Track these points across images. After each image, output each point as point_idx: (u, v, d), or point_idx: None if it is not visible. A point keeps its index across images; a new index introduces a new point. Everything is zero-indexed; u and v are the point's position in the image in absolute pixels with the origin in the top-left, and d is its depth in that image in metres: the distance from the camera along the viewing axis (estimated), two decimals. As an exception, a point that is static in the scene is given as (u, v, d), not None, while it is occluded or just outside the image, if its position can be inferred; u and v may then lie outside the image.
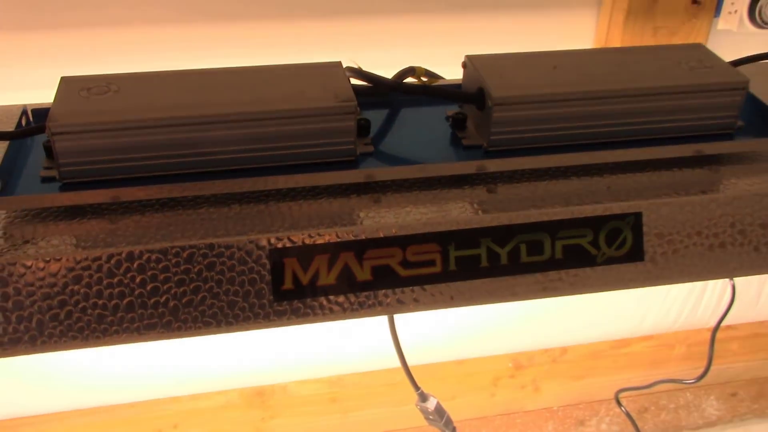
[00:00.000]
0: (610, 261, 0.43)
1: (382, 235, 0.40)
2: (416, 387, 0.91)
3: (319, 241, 0.40)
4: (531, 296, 0.42)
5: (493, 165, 0.45)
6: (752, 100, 0.51)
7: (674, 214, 0.43)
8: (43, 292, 0.38)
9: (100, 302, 0.38)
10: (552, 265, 0.42)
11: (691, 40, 1.07)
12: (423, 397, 0.91)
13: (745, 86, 0.47)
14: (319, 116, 0.42)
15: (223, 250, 0.39)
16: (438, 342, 1.31)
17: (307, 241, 0.39)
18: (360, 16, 0.90)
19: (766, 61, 0.54)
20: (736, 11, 0.98)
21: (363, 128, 0.46)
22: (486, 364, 1.23)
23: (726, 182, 0.45)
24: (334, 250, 0.40)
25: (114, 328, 0.38)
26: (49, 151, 0.43)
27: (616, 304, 1.18)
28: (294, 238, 0.39)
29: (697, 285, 1.17)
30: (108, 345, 0.38)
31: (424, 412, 0.93)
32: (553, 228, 0.42)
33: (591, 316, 1.19)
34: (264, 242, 0.39)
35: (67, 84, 0.43)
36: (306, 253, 0.40)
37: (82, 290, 0.38)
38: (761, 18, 0.95)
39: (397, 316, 0.54)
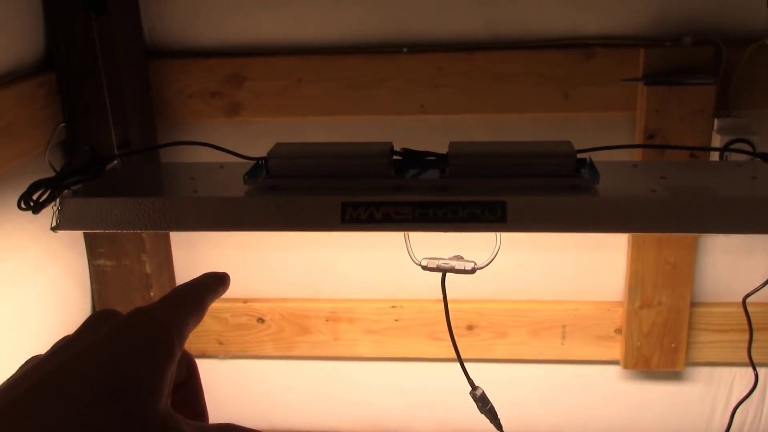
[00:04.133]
0: (490, 221, 0.96)
1: (385, 200, 0.97)
2: (469, 380, 1.37)
3: (358, 200, 0.98)
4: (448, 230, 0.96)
5: (448, 182, 1.00)
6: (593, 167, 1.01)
7: (524, 204, 0.96)
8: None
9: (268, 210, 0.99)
10: (461, 219, 0.96)
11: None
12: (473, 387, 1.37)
13: (572, 155, 0.99)
14: (370, 157, 1.01)
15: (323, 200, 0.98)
16: None
17: (354, 200, 0.98)
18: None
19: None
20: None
21: (399, 170, 1.04)
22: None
23: (554, 195, 0.97)
24: (365, 206, 0.98)
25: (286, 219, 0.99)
26: (267, 169, 1.05)
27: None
28: (354, 200, 0.98)
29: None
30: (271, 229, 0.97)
31: (474, 398, 1.37)
32: (463, 205, 0.96)
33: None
34: (340, 201, 0.98)
35: (278, 145, 1.07)
36: (354, 205, 0.98)
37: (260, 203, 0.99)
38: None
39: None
